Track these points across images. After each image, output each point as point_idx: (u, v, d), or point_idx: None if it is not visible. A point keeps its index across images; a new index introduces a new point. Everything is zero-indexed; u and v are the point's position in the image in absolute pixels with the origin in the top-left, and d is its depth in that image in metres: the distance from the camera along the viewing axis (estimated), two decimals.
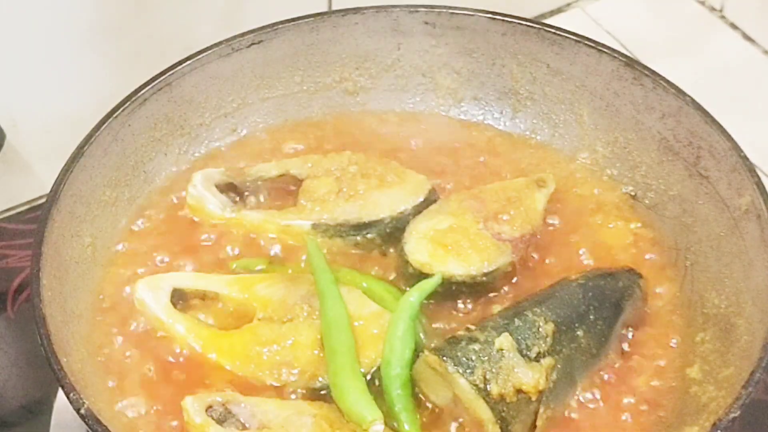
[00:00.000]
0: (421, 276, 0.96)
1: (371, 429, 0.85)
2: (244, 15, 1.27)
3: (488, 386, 0.85)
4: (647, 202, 1.05)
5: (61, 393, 1.00)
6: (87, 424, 0.82)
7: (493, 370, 0.86)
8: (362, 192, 1.03)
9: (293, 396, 0.90)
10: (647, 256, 1.01)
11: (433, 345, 0.90)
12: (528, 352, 0.87)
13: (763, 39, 1.46)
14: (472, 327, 0.89)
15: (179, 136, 1.07)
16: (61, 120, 1.23)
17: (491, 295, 0.98)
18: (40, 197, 1.26)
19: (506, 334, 0.88)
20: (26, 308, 1.15)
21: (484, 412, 0.85)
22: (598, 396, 0.91)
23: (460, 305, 0.97)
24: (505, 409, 0.85)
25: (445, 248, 0.97)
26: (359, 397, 0.87)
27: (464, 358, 0.86)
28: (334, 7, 1.33)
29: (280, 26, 1.08)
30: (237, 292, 0.95)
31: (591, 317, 0.92)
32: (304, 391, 0.90)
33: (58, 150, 1.08)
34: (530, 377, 0.86)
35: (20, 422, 1.08)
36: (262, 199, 1.05)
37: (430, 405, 0.90)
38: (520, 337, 0.88)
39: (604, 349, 0.93)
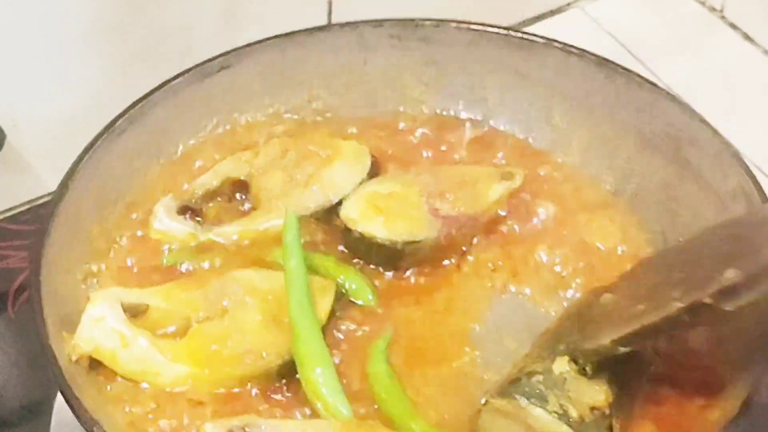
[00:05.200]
0: (346, 231, 0.98)
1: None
2: (244, 15, 1.28)
3: (567, 411, 0.83)
4: (628, 195, 1.04)
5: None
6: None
7: (565, 395, 0.84)
8: (313, 173, 1.02)
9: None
10: (637, 251, 1.01)
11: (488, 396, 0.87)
12: (585, 370, 0.86)
13: (763, 39, 1.46)
14: (515, 366, 0.88)
15: (156, 165, 1.06)
16: (61, 120, 1.23)
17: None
18: (40, 197, 1.26)
19: (560, 357, 0.86)
20: (26, 308, 1.15)
21: None
22: None
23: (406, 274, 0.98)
24: (586, 429, 0.84)
25: (377, 210, 0.99)
26: (332, 391, 0.87)
27: (535, 391, 0.84)
28: (334, 8, 1.33)
29: (247, 48, 1.07)
30: (162, 302, 0.94)
31: None
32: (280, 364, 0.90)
33: (58, 150, 1.07)
34: (599, 392, 0.85)
35: (20, 422, 1.08)
36: (220, 211, 1.04)
37: None
38: (572, 359, 0.87)
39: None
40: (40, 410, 1.06)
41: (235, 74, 1.07)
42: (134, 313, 0.93)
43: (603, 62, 1.05)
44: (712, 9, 1.51)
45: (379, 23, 1.08)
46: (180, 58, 1.15)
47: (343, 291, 0.97)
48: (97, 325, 0.91)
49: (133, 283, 0.97)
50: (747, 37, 1.47)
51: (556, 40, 1.06)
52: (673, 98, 1.02)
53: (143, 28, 1.22)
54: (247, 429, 0.85)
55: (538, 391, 0.84)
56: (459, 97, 1.11)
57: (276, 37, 1.08)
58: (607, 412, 0.85)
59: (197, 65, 1.05)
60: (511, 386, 0.85)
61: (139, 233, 1.01)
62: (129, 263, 0.99)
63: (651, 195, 1.03)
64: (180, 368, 0.90)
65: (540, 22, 1.51)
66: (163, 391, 0.90)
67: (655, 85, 1.03)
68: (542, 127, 1.09)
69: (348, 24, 1.09)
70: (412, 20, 1.08)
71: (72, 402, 0.83)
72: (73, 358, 0.89)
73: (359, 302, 0.96)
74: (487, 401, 0.86)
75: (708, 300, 0.79)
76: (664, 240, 1.01)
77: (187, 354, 0.90)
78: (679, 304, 0.81)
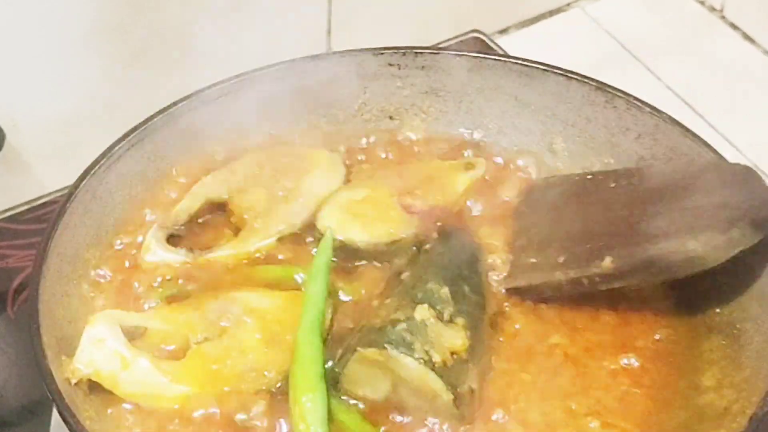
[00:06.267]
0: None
1: None
2: (244, 15, 1.28)
3: (432, 357, 0.86)
4: None
5: None
6: None
7: (428, 341, 0.87)
8: (292, 187, 1.03)
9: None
10: None
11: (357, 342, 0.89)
12: (443, 317, 0.89)
13: (763, 39, 1.46)
14: (373, 317, 0.90)
15: (154, 190, 1.05)
16: (61, 120, 1.23)
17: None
18: (40, 197, 1.26)
19: (421, 305, 0.89)
20: (26, 308, 1.15)
21: (435, 383, 0.86)
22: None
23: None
24: (449, 374, 0.86)
25: (353, 216, 1.00)
26: (317, 420, 0.86)
27: (401, 339, 0.87)
28: (334, 8, 1.33)
29: (247, 76, 1.06)
30: (161, 324, 0.94)
31: (465, 273, 0.95)
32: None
33: (58, 150, 1.08)
34: (456, 337, 0.88)
35: (20, 422, 1.08)
36: (208, 235, 1.03)
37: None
38: (431, 306, 0.90)
39: (486, 298, 0.95)
40: (40, 410, 1.06)
41: (234, 101, 1.06)
42: (132, 335, 0.93)
43: (603, 86, 1.04)
44: (712, 9, 1.51)
45: (379, 51, 1.08)
46: (180, 58, 1.15)
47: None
48: (96, 347, 0.90)
49: (130, 306, 0.97)
50: (747, 37, 1.47)
51: (555, 66, 1.06)
52: (674, 122, 1.01)
53: (143, 28, 1.22)
54: None
55: (403, 338, 0.87)
56: (459, 125, 1.11)
57: (276, 64, 1.08)
58: (465, 356, 0.88)
59: (197, 91, 1.05)
60: (378, 335, 0.87)
61: (136, 255, 1.01)
62: (126, 287, 0.99)
63: None
64: (182, 388, 0.90)
65: (540, 22, 1.51)
66: (163, 412, 0.90)
67: (656, 108, 1.03)
68: (544, 153, 1.09)
69: (348, 52, 1.09)
70: (412, 48, 1.08)
71: (72, 425, 0.83)
72: (73, 382, 0.89)
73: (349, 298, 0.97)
74: (355, 350, 0.87)
75: (584, 280, 0.92)
76: None
77: (188, 374, 0.90)
78: (560, 276, 0.93)
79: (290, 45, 1.15)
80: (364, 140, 1.11)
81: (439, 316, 0.89)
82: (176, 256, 1.00)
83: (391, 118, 1.12)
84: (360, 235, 0.99)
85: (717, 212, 0.88)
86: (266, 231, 1.01)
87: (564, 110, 1.07)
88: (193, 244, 1.02)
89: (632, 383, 0.92)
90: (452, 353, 0.87)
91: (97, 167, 0.99)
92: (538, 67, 1.07)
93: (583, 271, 0.92)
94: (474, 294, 0.94)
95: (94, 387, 0.90)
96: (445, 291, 0.91)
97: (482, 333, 0.92)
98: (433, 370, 0.86)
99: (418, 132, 1.11)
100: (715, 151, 0.99)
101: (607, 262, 0.91)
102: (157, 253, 1.00)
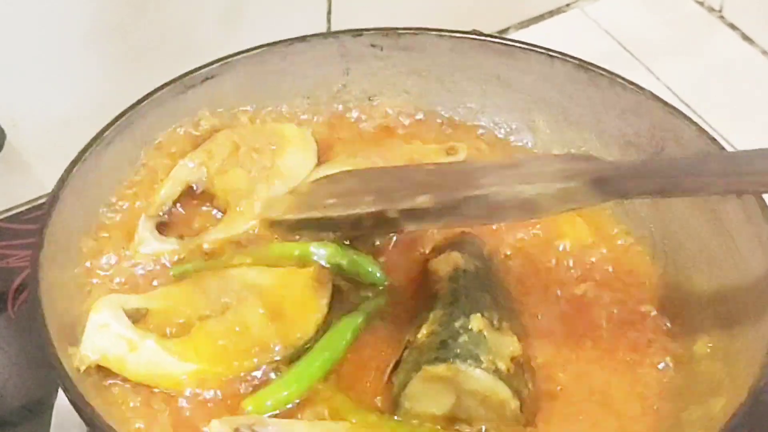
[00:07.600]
0: None
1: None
2: (244, 15, 1.28)
3: (497, 366, 0.85)
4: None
5: (61, 392, 1.00)
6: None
7: (490, 351, 0.85)
8: (271, 166, 1.03)
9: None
10: (620, 242, 1.01)
11: (419, 361, 0.87)
12: (493, 325, 0.87)
13: (762, 39, 1.46)
14: (423, 334, 0.88)
15: (144, 176, 1.05)
16: (61, 120, 1.23)
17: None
18: (40, 197, 1.26)
19: (474, 315, 0.87)
20: (26, 308, 1.15)
21: (503, 392, 0.84)
22: None
23: None
24: (514, 381, 0.85)
25: None
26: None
27: (466, 351, 0.85)
28: (334, 7, 1.33)
29: (230, 59, 1.06)
30: (162, 305, 0.94)
31: (492, 279, 0.94)
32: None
33: (58, 150, 1.07)
34: (512, 343, 0.87)
35: (20, 422, 1.09)
36: (192, 218, 1.03)
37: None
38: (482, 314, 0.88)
39: (513, 300, 0.94)
40: (40, 410, 1.06)
41: (218, 85, 1.06)
42: (135, 318, 0.92)
43: (585, 65, 1.04)
44: (711, 9, 1.51)
45: (359, 32, 1.08)
46: (180, 58, 1.15)
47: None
48: (102, 332, 0.90)
49: (129, 291, 0.97)
50: (746, 37, 1.48)
51: (537, 46, 1.06)
52: (657, 98, 1.01)
53: (143, 28, 1.23)
54: (255, 428, 0.84)
55: (470, 351, 0.84)
56: (441, 105, 1.11)
57: (258, 47, 1.07)
58: (521, 360, 0.87)
59: (181, 76, 1.05)
60: (442, 350, 0.85)
61: (130, 240, 1.01)
62: (124, 271, 0.99)
63: (636, 204, 1.02)
64: (190, 366, 0.90)
65: (540, 22, 1.51)
66: (173, 390, 0.90)
67: (638, 86, 1.03)
68: (524, 132, 1.08)
69: (329, 34, 1.09)
70: (393, 29, 1.09)
71: (84, 411, 0.82)
72: (81, 369, 0.88)
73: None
74: (421, 368, 0.85)
75: (394, 214, 0.87)
76: (653, 242, 1.00)
77: (195, 351, 0.90)
78: (366, 208, 0.88)
79: None
80: (347, 120, 1.11)
81: (492, 324, 0.87)
82: (169, 246, 1.00)
83: (373, 98, 1.11)
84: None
85: (554, 172, 0.85)
86: (251, 212, 1.01)
87: (546, 89, 1.06)
88: (181, 230, 1.02)
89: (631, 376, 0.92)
90: (512, 359, 0.86)
91: (87, 152, 0.99)
92: (518, 47, 1.06)
93: (394, 205, 0.86)
94: (505, 300, 0.92)
95: (102, 375, 0.90)
96: (486, 297, 0.90)
97: (522, 335, 0.90)
98: (501, 379, 0.84)
99: (401, 112, 1.11)
100: (696, 125, 0.98)
101: (423, 198, 0.85)
102: (151, 245, 1.00)
